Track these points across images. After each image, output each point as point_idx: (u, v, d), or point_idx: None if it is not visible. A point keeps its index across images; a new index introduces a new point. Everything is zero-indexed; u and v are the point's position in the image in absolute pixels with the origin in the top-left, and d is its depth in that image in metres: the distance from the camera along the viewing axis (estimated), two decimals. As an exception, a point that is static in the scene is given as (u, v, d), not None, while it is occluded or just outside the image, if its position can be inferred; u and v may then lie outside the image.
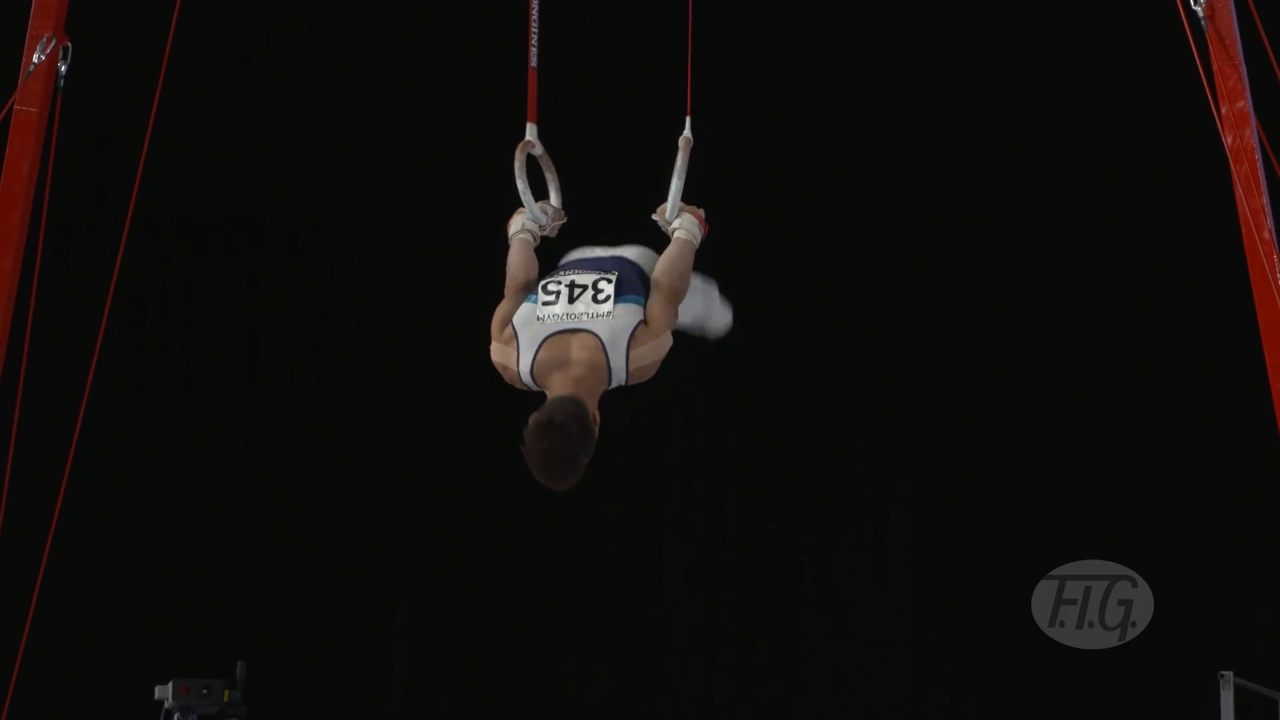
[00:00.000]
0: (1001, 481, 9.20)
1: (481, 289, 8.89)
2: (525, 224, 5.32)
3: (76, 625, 9.10)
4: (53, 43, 5.20)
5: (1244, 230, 4.75)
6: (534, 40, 5.29)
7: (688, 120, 5.18)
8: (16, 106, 5.12)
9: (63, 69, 5.27)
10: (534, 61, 5.29)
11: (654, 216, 5.22)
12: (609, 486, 9.42)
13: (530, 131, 5.28)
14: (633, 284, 5.04)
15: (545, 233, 5.35)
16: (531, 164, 5.28)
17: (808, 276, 9.48)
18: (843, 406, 9.32)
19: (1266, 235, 4.64)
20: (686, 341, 5.43)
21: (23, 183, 5.14)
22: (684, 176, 5.15)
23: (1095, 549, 8.94)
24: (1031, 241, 9.35)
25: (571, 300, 4.97)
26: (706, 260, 5.26)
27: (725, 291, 5.58)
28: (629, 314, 4.93)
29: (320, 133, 9.34)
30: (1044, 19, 9.14)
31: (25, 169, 5.14)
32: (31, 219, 5.17)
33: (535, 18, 5.32)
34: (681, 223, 5.16)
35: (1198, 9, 4.82)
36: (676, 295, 5.13)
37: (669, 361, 5.03)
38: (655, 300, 5.04)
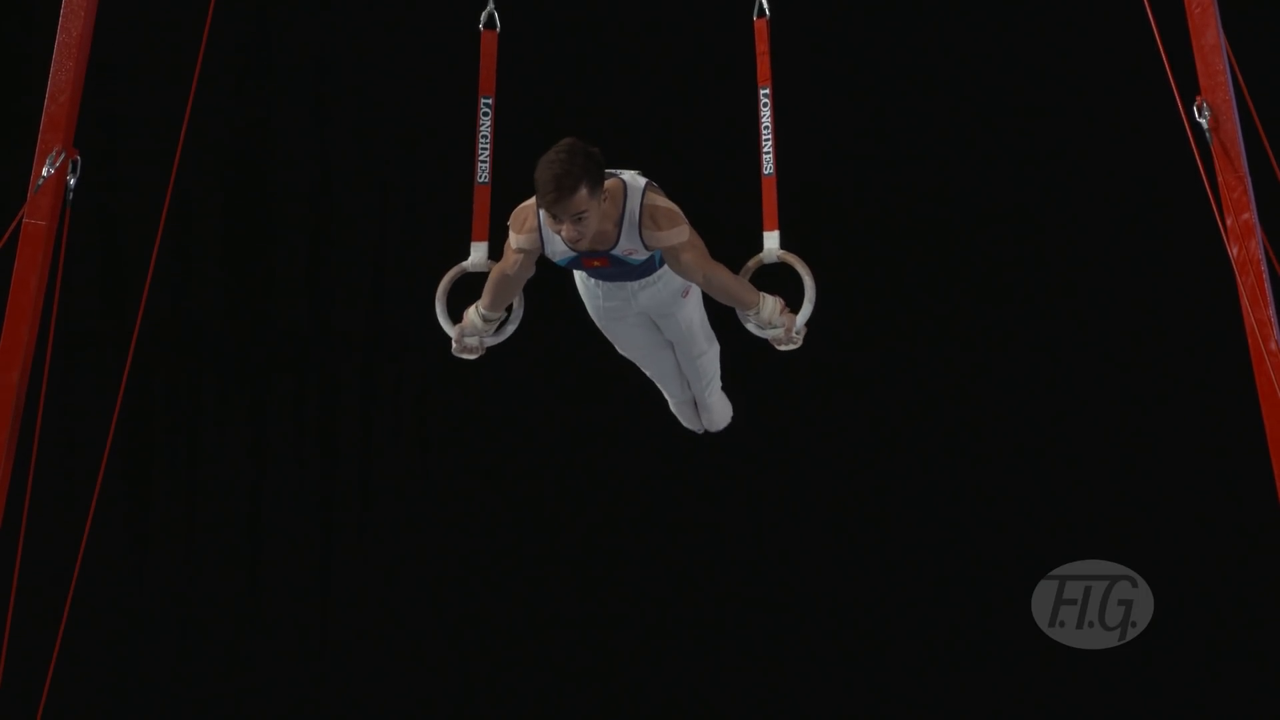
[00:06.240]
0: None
1: (493, 410, 8.97)
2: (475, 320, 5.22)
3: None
4: (62, 156, 5.19)
5: (1250, 342, 4.76)
6: (482, 155, 5.07)
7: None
8: (25, 220, 5.12)
9: (71, 182, 5.25)
10: (483, 176, 5.12)
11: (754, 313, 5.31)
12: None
13: (477, 251, 5.16)
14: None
15: (489, 337, 5.26)
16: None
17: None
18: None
19: (1273, 346, 4.66)
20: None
21: (31, 296, 5.15)
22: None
23: (1095, 549, 8.97)
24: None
25: None
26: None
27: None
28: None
29: (332, 244, 9.30)
30: (1046, 130, 9.08)
31: (34, 282, 5.14)
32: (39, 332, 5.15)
33: (486, 131, 5.12)
34: (773, 318, 5.31)
35: (1202, 121, 4.82)
36: (706, 257, 5.20)
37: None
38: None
